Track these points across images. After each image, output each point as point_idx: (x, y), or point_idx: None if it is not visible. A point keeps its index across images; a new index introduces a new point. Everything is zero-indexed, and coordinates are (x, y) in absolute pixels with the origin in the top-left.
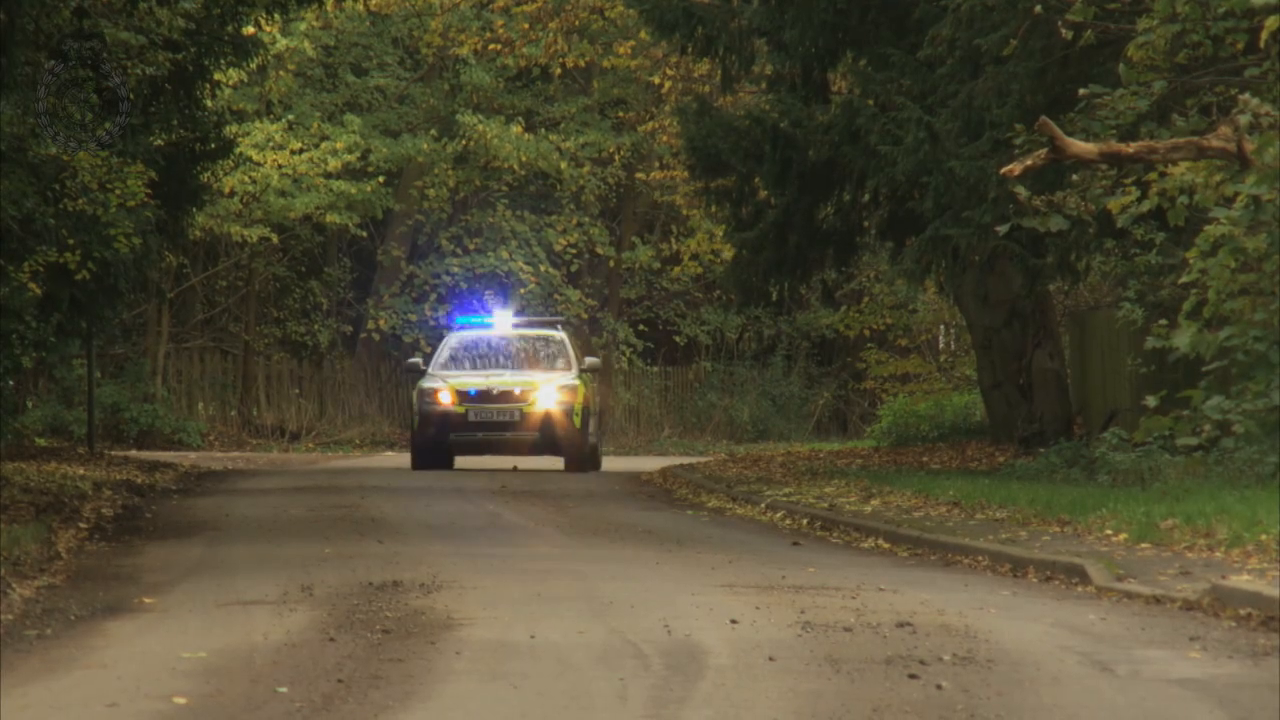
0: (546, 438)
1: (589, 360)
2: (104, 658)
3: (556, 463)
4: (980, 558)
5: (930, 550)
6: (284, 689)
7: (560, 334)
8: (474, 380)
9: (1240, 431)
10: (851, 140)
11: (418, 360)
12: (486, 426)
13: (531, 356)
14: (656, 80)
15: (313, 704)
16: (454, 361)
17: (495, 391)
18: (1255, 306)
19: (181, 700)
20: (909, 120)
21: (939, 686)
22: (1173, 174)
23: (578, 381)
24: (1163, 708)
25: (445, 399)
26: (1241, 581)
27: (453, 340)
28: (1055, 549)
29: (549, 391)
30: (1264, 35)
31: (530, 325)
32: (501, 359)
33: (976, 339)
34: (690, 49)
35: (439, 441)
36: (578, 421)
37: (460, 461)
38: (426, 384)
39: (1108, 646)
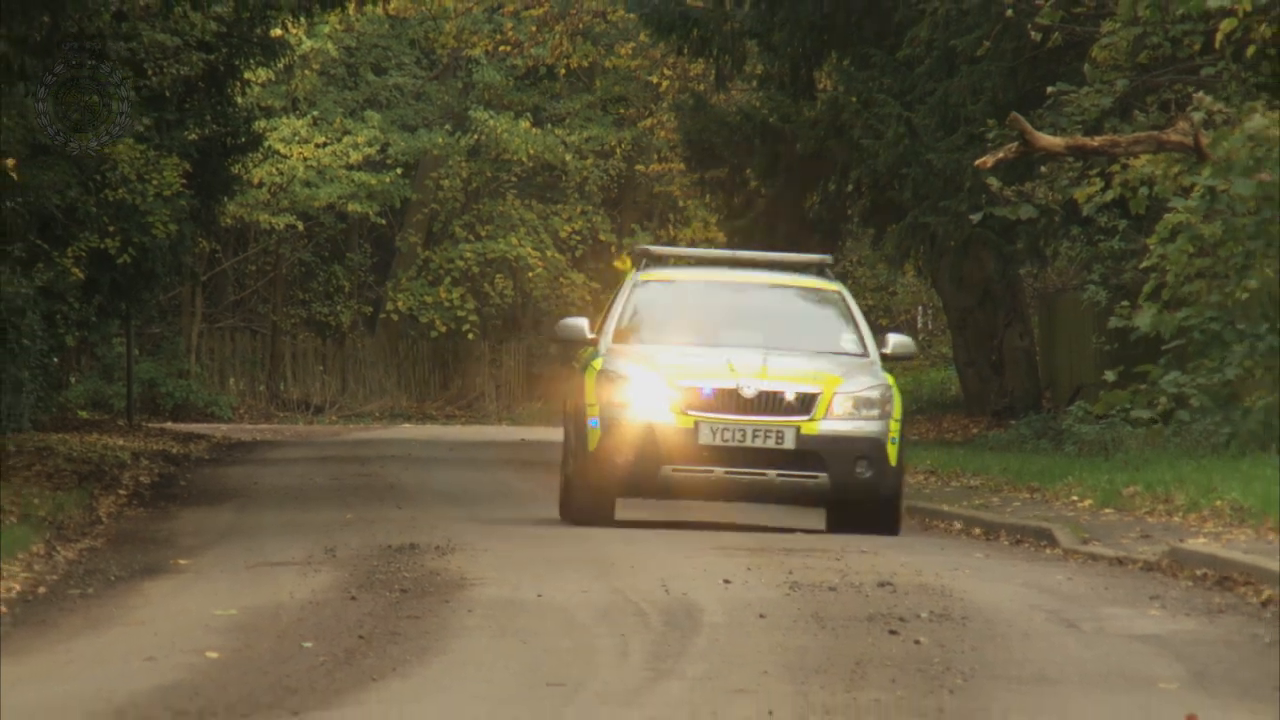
0: (843, 484)
1: (894, 340)
2: (142, 615)
3: (802, 516)
4: (955, 522)
5: (909, 515)
6: (309, 644)
7: (837, 285)
8: (708, 367)
9: (1196, 405)
10: (836, 135)
11: (580, 323)
12: (734, 458)
13: (793, 325)
14: (655, 79)
15: (336, 658)
16: (649, 327)
17: (753, 392)
18: (1210, 289)
19: (214, 654)
20: (889, 116)
21: (917, 641)
22: (1134, 166)
23: (889, 380)
24: (1125, 661)
25: (653, 401)
26: (1198, 544)
27: (641, 289)
28: (1025, 514)
29: (846, 399)
30: (1219, 37)
31: (779, 268)
32: (736, 325)
33: (952, 319)
34: (686, 50)
35: (639, 476)
36: (894, 456)
37: (631, 510)
38: (612, 367)
39: (1073, 605)
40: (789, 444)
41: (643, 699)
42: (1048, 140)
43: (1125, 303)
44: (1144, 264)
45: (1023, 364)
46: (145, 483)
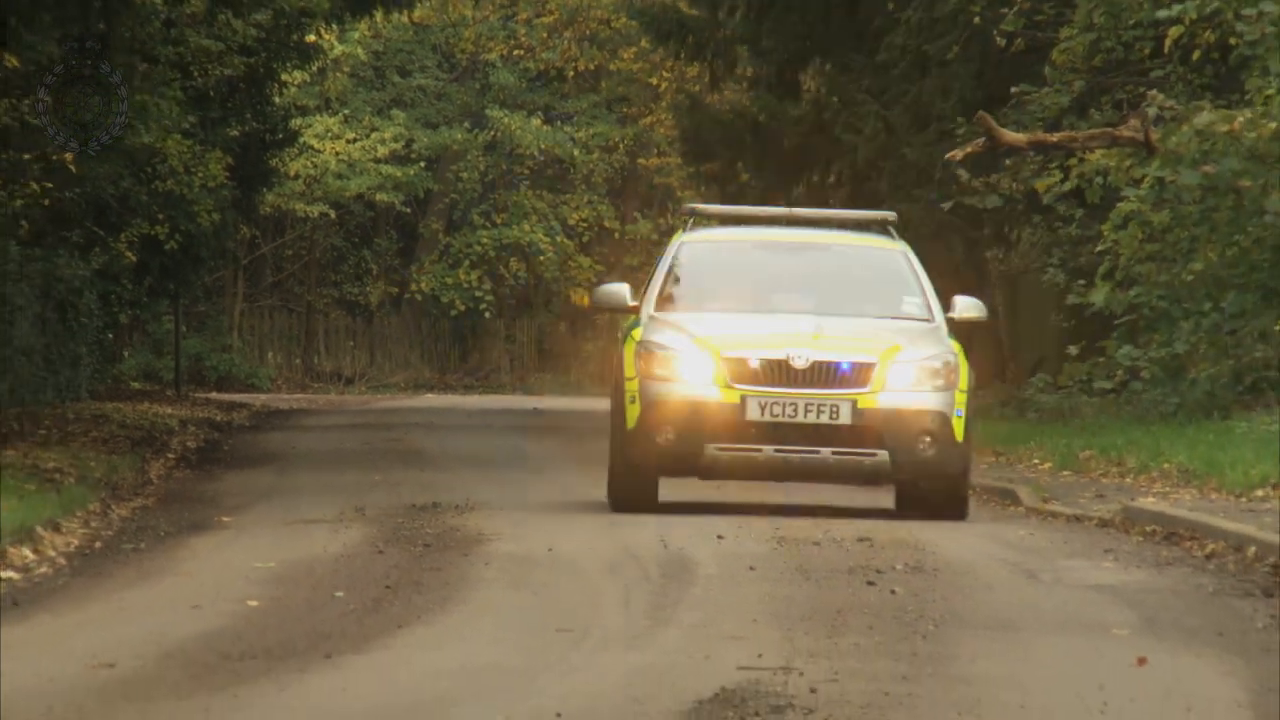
0: (905, 462)
1: (961, 303)
2: (189, 568)
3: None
4: None
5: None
6: (340, 594)
7: (900, 244)
8: (755, 336)
9: (1147, 376)
10: (819, 131)
11: (619, 289)
12: (785, 435)
13: (851, 287)
14: (655, 81)
15: (365, 606)
16: (694, 293)
17: (803, 362)
18: (1159, 271)
19: (254, 603)
20: (867, 114)
21: (893, 591)
22: (1090, 159)
23: (954, 348)
24: (1081, 609)
25: (696, 374)
26: (1148, 503)
27: (686, 252)
28: (991, 476)
29: (908, 369)
30: (1167, 42)
31: (837, 226)
32: (788, 289)
33: None
34: (683, 54)
35: (681, 456)
36: (960, 431)
37: (681, 489)
38: (651, 337)
39: (1034, 557)
40: (844, 419)
41: (643, 644)
42: (1011, 136)
43: (1081, 283)
44: (1099, 248)
45: (989, 339)
46: (192, 447)
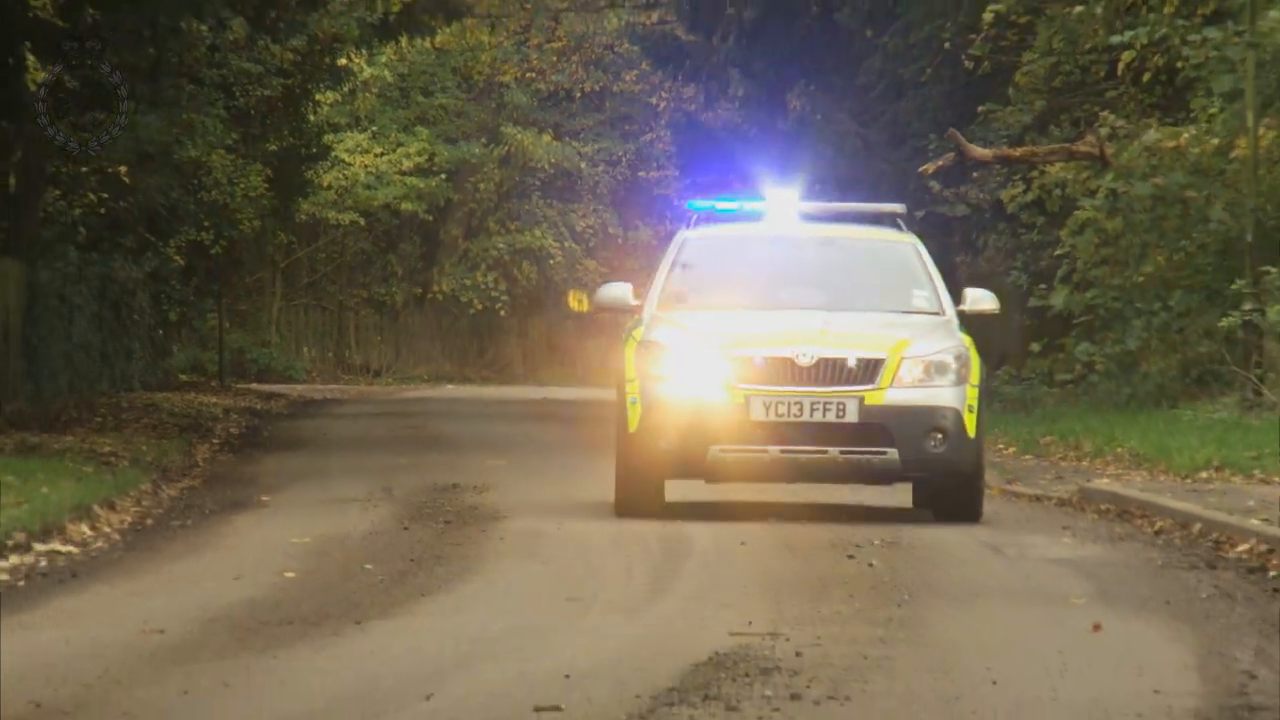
0: (915, 460)
1: (973, 295)
2: (231, 542)
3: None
4: None
5: None
6: (369, 566)
7: (909, 237)
8: (759, 333)
9: (1102, 370)
10: (803, 146)
11: (621, 289)
12: (791, 434)
13: (860, 281)
14: (654, 100)
15: (391, 577)
16: (698, 290)
17: (808, 360)
18: (1113, 274)
19: (291, 575)
20: (848, 132)
21: (870, 564)
22: (1050, 172)
23: (965, 341)
24: (1042, 580)
25: (699, 373)
26: (1102, 484)
27: (689, 248)
28: None
29: (917, 364)
30: (1120, 66)
31: (845, 218)
32: (794, 284)
33: None
34: (680, 76)
35: (684, 459)
36: (972, 426)
37: (687, 491)
38: (653, 337)
39: (1000, 534)
40: (852, 417)
41: (644, 612)
42: (978, 151)
43: (1043, 286)
44: (1058, 253)
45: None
46: (234, 433)
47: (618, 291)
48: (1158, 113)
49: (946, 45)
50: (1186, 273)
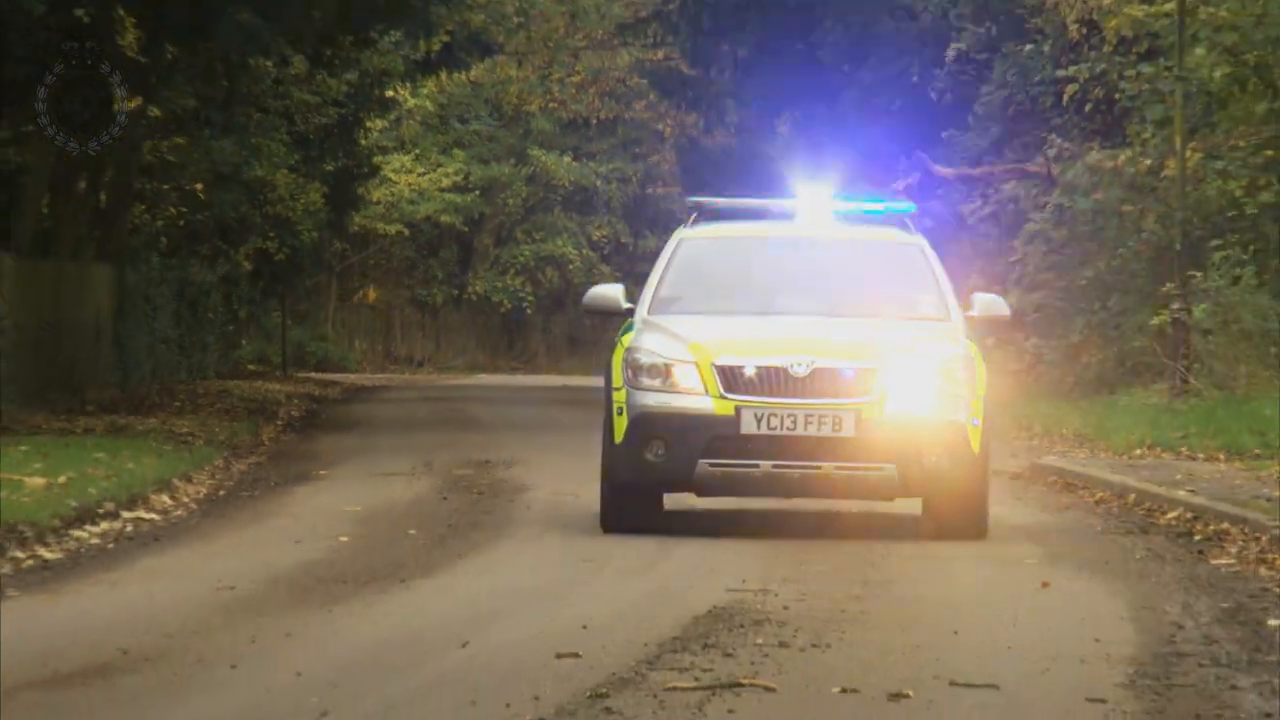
0: (914, 476)
1: (981, 301)
2: (292, 511)
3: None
4: None
5: None
6: (413, 531)
7: (916, 238)
8: (752, 341)
9: (1049, 361)
10: (792, 166)
11: (610, 291)
12: (783, 448)
13: (863, 285)
14: (661, 126)
15: (432, 541)
16: (692, 294)
17: (803, 370)
18: (1058, 277)
19: (344, 539)
20: (829, 153)
21: (843, 538)
22: (1005, 189)
23: (971, 350)
24: (998, 544)
25: (689, 382)
26: (1050, 460)
27: (685, 250)
28: None
29: (915, 372)
30: (1065, 97)
31: (862, 221)
32: (793, 289)
33: None
34: (683, 105)
35: (672, 473)
36: (976, 441)
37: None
38: (641, 344)
39: None
40: (848, 430)
41: (650, 572)
42: (943, 170)
43: (997, 287)
44: (1012, 259)
45: None
46: (295, 416)
47: (608, 293)
48: (1098, 137)
49: (914, 79)
50: (1123, 276)
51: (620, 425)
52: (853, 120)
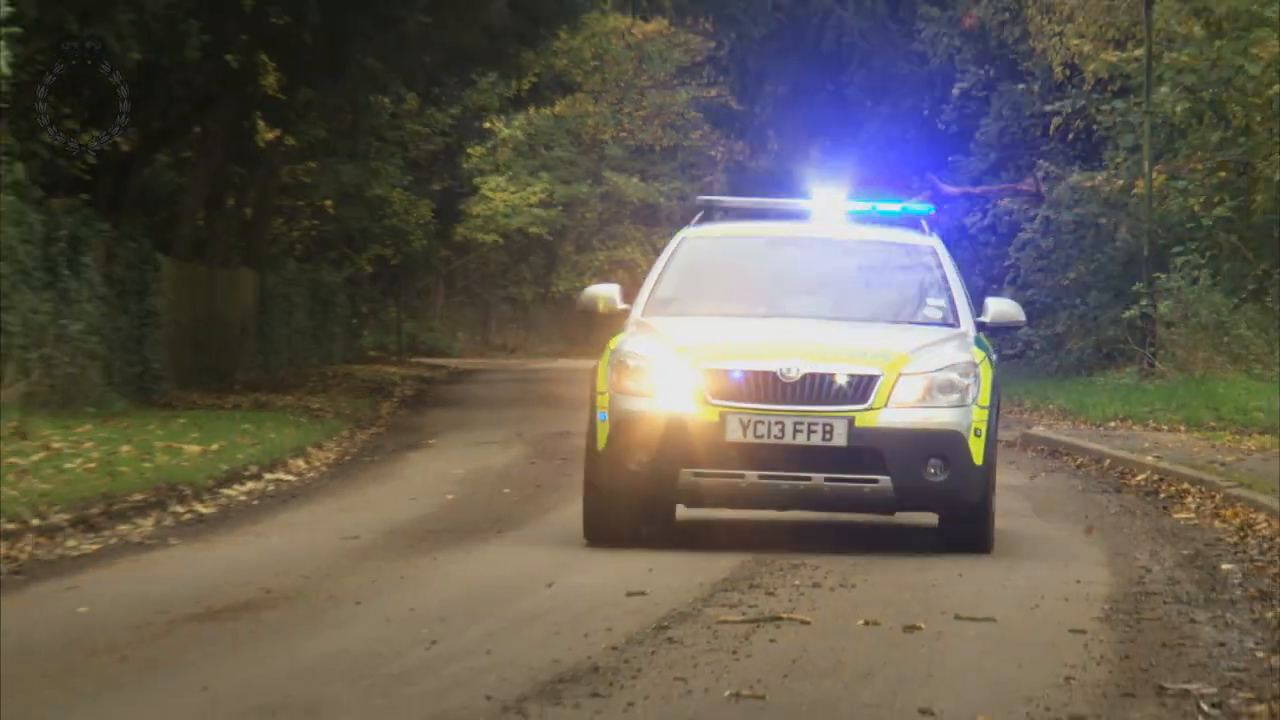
0: (911, 489)
1: (995, 307)
2: (406, 473)
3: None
4: None
5: None
6: (507, 490)
7: (931, 239)
8: (741, 344)
9: (1038, 348)
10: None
11: (604, 291)
12: (771, 459)
13: (870, 288)
14: (713, 152)
15: (523, 498)
16: (690, 296)
17: (793, 375)
18: (1046, 278)
19: (450, 497)
20: (853, 175)
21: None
22: (1001, 204)
23: (978, 355)
24: (997, 500)
25: (673, 388)
26: (1038, 430)
27: (686, 250)
28: None
29: (917, 381)
30: (1052, 128)
31: (875, 221)
32: (796, 291)
33: None
34: (732, 134)
35: (654, 482)
36: (978, 453)
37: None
38: (627, 346)
39: None
40: (839, 440)
41: (703, 525)
42: (949, 189)
43: (994, 286)
44: (1006, 263)
45: None
46: (409, 394)
47: (600, 294)
48: (1079, 161)
49: (925, 113)
50: (1100, 277)
51: (603, 431)
52: (873, 147)
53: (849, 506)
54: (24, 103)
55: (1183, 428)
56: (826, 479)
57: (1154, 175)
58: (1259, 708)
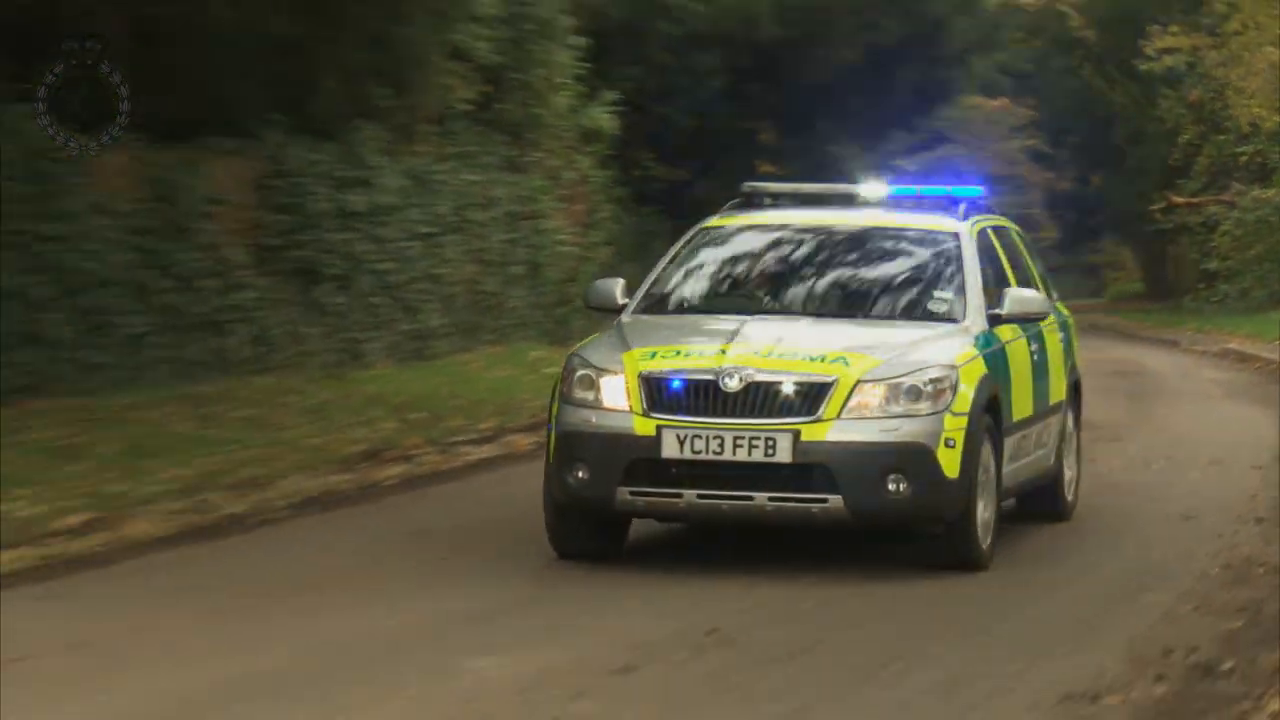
0: (867, 507)
1: (1012, 297)
2: None
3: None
4: None
5: None
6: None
7: (961, 224)
8: (688, 350)
9: (1233, 296)
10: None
11: (612, 286)
12: (709, 477)
13: (877, 280)
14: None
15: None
16: (686, 292)
17: (737, 384)
18: (1238, 254)
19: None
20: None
21: None
22: (1211, 209)
23: (969, 352)
24: (1204, 387)
25: (616, 397)
26: (1233, 345)
27: (698, 241)
28: None
29: (877, 388)
30: (1239, 161)
31: (912, 206)
32: (796, 284)
33: None
34: None
35: (594, 499)
36: (951, 465)
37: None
38: (585, 350)
39: (1187, 361)
40: (783, 456)
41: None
42: (1176, 199)
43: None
44: (1211, 244)
45: None
46: None
47: (604, 289)
48: (1259, 182)
49: (1171, 161)
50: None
51: (551, 443)
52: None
53: (798, 527)
54: None
55: None
56: (770, 499)
57: None
58: None
